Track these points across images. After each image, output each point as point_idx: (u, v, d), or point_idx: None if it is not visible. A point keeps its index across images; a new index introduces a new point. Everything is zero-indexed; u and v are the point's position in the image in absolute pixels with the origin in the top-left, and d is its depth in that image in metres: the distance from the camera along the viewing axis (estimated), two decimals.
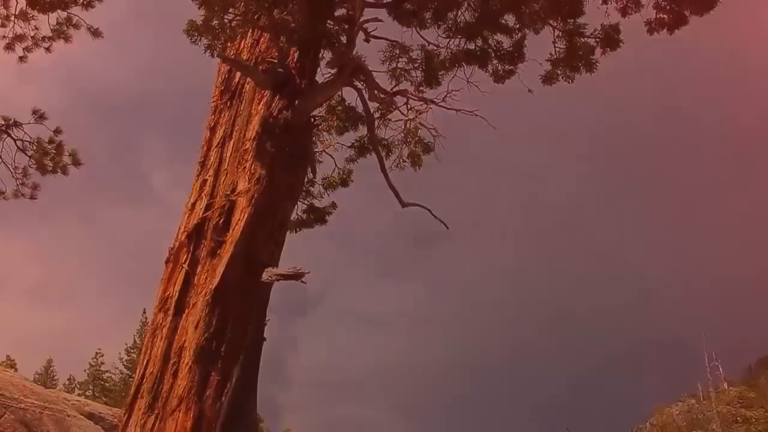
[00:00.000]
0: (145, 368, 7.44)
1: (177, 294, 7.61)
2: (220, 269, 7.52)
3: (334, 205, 10.98)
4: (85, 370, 45.49)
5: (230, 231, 7.71)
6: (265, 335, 7.88)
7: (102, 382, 45.07)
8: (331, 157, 10.62)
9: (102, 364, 45.83)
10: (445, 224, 9.36)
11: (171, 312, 7.53)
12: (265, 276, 7.52)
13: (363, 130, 10.31)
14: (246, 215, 7.69)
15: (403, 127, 10.49)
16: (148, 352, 7.54)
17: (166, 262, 8.01)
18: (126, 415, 7.36)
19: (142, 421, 7.08)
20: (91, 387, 44.50)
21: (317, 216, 10.86)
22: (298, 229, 10.54)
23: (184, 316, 7.47)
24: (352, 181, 10.84)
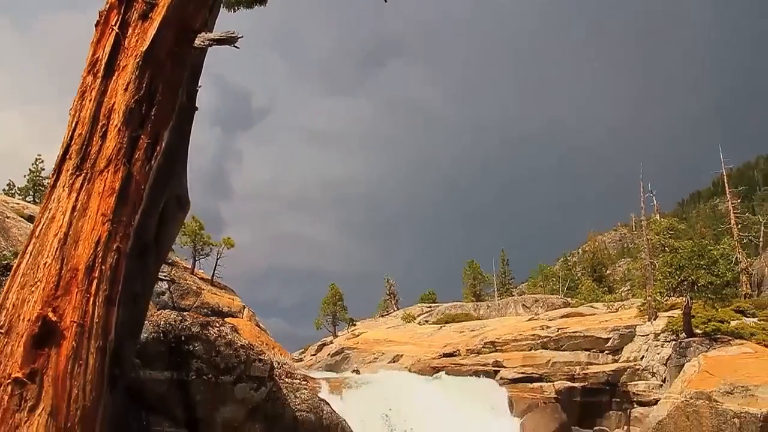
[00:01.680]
0: (74, 130, 7.29)
1: (107, 57, 7.37)
2: (152, 32, 7.30)
3: None
4: (24, 176, 44.81)
5: None
6: (197, 105, 7.83)
7: (42, 188, 44.57)
8: None
9: (42, 170, 45.08)
10: None
11: (100, 74, 7.32)
12: (197, 41, 7.36)
13: None
14: None
15: None
16: (77, 114, 7.36)
17: (96, 25, 7.69)
18: (54, 177, 7.31)
19: (70, 181, 7.04)
20: (31, 192, 44.02)
21: None
22: (236, 8, 10.15)
23: (113, 78, 7.29)
24: None
